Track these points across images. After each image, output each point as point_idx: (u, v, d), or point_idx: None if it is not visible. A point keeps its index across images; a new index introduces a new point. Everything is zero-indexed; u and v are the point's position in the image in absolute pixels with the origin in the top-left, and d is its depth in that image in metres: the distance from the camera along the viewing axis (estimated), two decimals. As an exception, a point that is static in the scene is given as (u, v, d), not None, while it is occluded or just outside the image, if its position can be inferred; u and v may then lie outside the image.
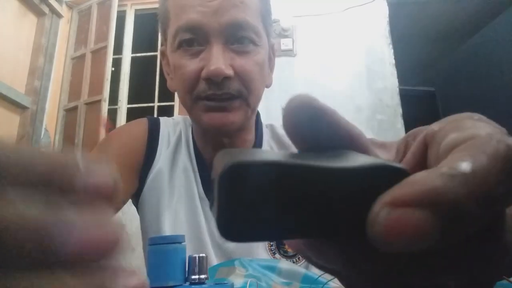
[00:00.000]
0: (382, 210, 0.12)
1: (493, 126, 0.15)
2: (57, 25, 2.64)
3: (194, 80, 0.56)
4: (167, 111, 2.47)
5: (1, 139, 0.12)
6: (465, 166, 0.12)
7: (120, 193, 0.14)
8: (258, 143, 0.67)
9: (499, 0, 2.62)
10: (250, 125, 0.65)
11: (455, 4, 2.87)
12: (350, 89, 2.27)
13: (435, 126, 0.17)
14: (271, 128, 0.71)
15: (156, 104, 2.68)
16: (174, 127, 0.70)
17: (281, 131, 0.69)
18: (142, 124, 0.68)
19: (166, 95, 2.61)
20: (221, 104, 0.56)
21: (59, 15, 2.64)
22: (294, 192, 0.13)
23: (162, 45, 0.67)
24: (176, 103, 2.48)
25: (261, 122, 0.70)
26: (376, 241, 0.12)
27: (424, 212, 0.11)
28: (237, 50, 0.57)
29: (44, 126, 2.49)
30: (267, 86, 0.65)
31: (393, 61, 2.32)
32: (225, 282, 0.39)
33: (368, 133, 2.12)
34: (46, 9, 2.53)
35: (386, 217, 0.11)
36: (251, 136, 0.66)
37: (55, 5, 2.57)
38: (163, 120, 0.70)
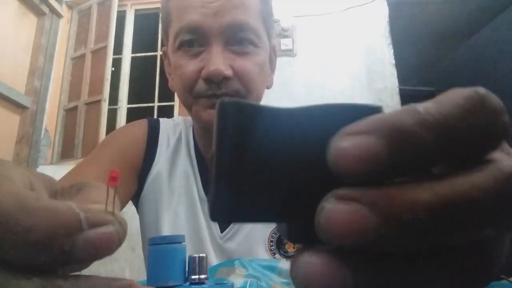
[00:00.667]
0: (341, 139, 0.12)
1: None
2: (57, 25, 2.64)
3: (194, 80, 0.56)
4: (167, 111, 2.47)
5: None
6: (424, 104, 0.13)
7: (123, 240, 0.14)
8: None
9: (499, 0, 2.62)
10: None
11: (455, 4, 2.87)
12: (350, 89, 2.27)
13: None
14: None
15: (156, 104, 2.68)
16: (174, 128, 0.70)
17: None
18: (141, 125, 0.68)
19: (166, 95, 2.61)
20: None
21: (59, 15, 2.64)
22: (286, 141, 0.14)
23: (164, 45, 0.67)
24: (176, 103, 2.48)
25: None
26: (335, 167, 0.12)
27: (372, 137, 0.12)
28: (237, 51, 0.57)
29: (44, 126, 2.49)
30: (268, 87, 0.65)
31: (393, 61, 2.32)
32: (225, 282, 0.39)
33: (368, 133, 2.13)
34: (46, 9, 2.53)
35: (340, 145, 0.12)
36: None
37: (55, 5, 2.57)
38: (163, 121, 0.70)
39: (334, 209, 0.12)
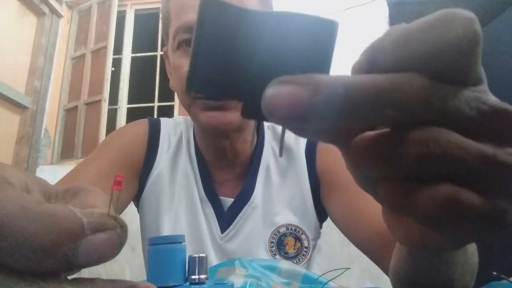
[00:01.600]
0: (272, 87, 0.15)
1: None
2: (57, 25, 2.64)
3: None
4: (167, 111, 2.47)
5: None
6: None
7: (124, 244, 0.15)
8: (259, 144, 0.66)
9: (499, 0, 2.62)
10: (250, 125, 0.65)
11: (455, 4, 2.86)
12: (350, 89, 2.28)
13: None
14: (273, 129, 0.70)
15: (156, 104, 2.68)
16: (175, 128, 0.69)
17: None
18: (142, 125, 0.68)
19: (166, 95, 2.61)
20: (219, 103, 0.55)
21: (59, 15, 2.64)
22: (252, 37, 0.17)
23: (165, 45, 0.67)
24: (176, 103, 2.48)
25: (263, 123, 0.70)
26: (265, 111, 0.15)
27: (298, 87, 0.14)
28: None
29: (44, 126, 2.49)
30: None
31: (393, 61, 2.32)
32: (225, 282, 0.39)
33: (368, 133, 2.12)
34: (46, 9, 2.53)
35: (269, 92, 0.15)
36: (251, 137, 0.66)
37: (55, 5, 2.57)
38: (163, 121, 0.70)
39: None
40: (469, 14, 0.15)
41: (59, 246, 0.12)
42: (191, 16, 0.55)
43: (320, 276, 0.42)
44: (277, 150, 0.67)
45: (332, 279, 0.40)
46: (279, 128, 0.71)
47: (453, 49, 0.14)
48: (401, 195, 0.15)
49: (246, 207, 0.62)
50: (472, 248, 0.31)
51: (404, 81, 0.14)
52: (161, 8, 0.64)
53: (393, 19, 2.43)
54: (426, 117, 0.14)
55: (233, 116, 0.56)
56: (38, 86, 2.45)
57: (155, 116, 2.62)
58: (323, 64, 0.18)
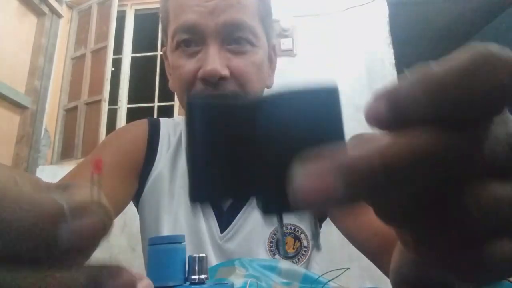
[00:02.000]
0: (299, 176, 0.14)
1: None
2: (57, 25, 2.64)
3: (191, 80, 0.56)
4: (167, 111, 2.47)
5: None
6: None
7: (110, 231, 0.14)
8: None
9: (499, 0, 2.62)
10: None
11: (455, 4, 2.87)
12: (350, 89, 2.27)
13: None
14: None
15: (156, 104, 2.68)
16: (175, 127, 0.69)
17: None
18: (142, 125, 0.67)
19: (166, 95, 2.61)
20: None
21: (59, 15, 2.64)
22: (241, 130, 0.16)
23: (164, 45, 0.67)
24: (176, 103, 2.48)
25: None
26: (294, 199, 0.14)
27: (329, 177, 0.13)
28: (234, 50, 0.56)
29: (44, 126, 2.49)
30: (268, 87, 0.65)
31: (393, 61, 2.32)
32: (225, 282, 0.39)
33: (368, 133, 2.11)
34: (46, 9, 2.53)
35: (298, 183, 0.14)
36: None
37: (55, 5, 2.57)
38: (163, 121, 0.70)
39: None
40: (507, 54, 0.13)
41: (38, 230, 0.12)
42: (190, 16, 0.55)
43: (320, 276, 0.42)
44: None
45: (332, 279, 0.40)
46: None
47: (499, 94, 0.13)
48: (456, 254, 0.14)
49: (245, 207, 0.62)
50: None
51: (446, 140, 0.13)
52: (160, 8, 0.64)
53: (393, 19, 2.43)
54: (471, 172, 0.13)
55: None
56: (38, 86, 2.44)
57: (155, 116, 2.62)
58: (337, 134, 0.16)
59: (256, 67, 0.58)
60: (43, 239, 0.12)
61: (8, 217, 0.12)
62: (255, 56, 0.58)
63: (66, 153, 2.50)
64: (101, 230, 0.14)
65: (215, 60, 0.53)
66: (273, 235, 0.61)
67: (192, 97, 0.16)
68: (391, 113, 0.14)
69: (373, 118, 0.15)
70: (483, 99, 0.13)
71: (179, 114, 2.39)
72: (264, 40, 0.61)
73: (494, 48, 0.13)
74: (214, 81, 0.54)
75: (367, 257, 0.54)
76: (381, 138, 0.15)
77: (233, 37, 0.56)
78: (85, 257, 0.14)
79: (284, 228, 0.61)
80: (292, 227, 0.61)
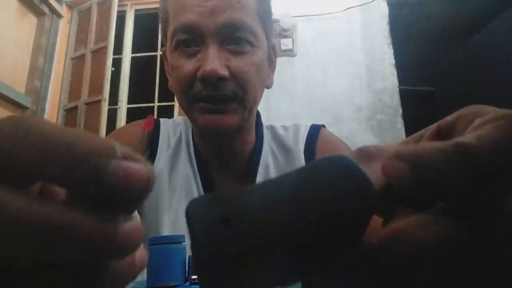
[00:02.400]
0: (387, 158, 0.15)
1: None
2: (57, 25, 2.64)
3: (190, 81, 0.56)
4: (167, 111, 2.47)
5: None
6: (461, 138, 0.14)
7: (151, 188, 0.15)
8: (258, 145, 0.66)
9: (499, 0, 2.62)
10: (248, 126, 0.64)
11: (455, 4, 2.87)
12: (350, 89, 2.27)
13: (448, 117, 0.19)
14: (272, 129, 0.70)
15: (156, 104, 2.68)
16: (175, 128, 0.69)
17: (282, 132, 0.69)
18: (141, 125, 0.68)
19: (166, 95, 2.61)
20: (217, 106, 0.55)
21: (59, 15, 2.64)
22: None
23: (164, 46, 0.66)
24: (176, 103, 2.48)
25: (262, 123, 0.69)
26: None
27: (403, 165, 0.14)
28: (233, 50, 0.56)
29: (44, 126, 2.49)
30: (268, 87, 0.65)
31: (393, 61, 2.31)
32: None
33: (368, 133, 2.10)
34: (46, 9, 2.53)
35: (385, 161, 0.15)
36: (251, 137, 0.66)
37: (55, 5, 2.57)
38: (163, 121, 0.70)
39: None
40: None
41: (90, 157, 0.13)
42: (189, 16, 0.55)
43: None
44: (276, 151, 0.67)
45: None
46: (278, 128, 0.70)
47: None
48: None
49: None
50: None
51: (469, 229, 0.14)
52: (159, 8, 0.64)
53: (393, 19, 2.43)
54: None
55: (232, 119, 0.56)
56: (38, 86, 2.44)
57: (155, 116, 2.62)
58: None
59: (255, 67, 0.58)
60: (93, 167, 0.13)
61: (66, 143, 0.13)
62: (255, 56, 0.58)
63: (66, 153, 2.50)
64: (145, 180, 0.14)
65: (214, 60, 0.53)
66: None
67: (191, 214, 0.14)
68: (414, 180, 0.14)
69: (393, 177, 0.15)
70: None
71: (179, 114, 2.39)
72: (264, 40, 0.61)
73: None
74: (213, 81, 0.54)
75: None
76: (385, 153, 0.16)
77: (232, 37, 0.56)
78: (127, 211, 0.14)
79: None
80: None
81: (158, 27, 2.78)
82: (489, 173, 0.13)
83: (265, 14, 0.61)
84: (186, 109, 0.59)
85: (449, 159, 0.13)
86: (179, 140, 0.67)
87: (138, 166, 0.14)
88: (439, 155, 0.14)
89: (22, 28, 2.41)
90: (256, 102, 0.61)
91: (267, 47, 0.62)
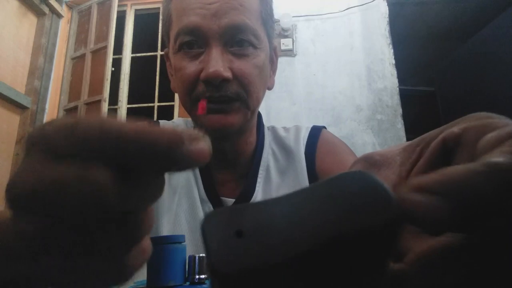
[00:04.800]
0: (408, 192, 0.14)
1: None
2: (57, 25, 2.64)
3: (193, 82, 0.56)
4: (167, 111, 2.47)
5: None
6: (498, 159, 0.13)
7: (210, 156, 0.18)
8: (259, 146, 0.66)
9: (499, 0, 2.62)
10: (250, 127, 0.65)
11: (455, 4, 2.87)
12: (350, 89, 2.27)
13: (454, 129, 0.17)
14: (273, 130, 0.70)
15: (156, 104, 2.68)
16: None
17: (283, 134, 0.69)
18: None
19: (166, 95, 2.61)
20: (220, 106, 0.56)
21: (59, 15, 2.64)
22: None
23: (166, 47, 0.67)
24: (176, 103, 2.48)
25: (263, 124, 0.70)
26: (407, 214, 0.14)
27: (435, 198, 0.13)
28: (236, 52, 0.56)
29: (44, 126, 2.49)
30: (269, 88, 0.65)
31: (393, 61, 2.31)
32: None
33: (368, 133, 2.09)
34: (46, 9, 2.53)
35: (407, 197, 0.13)
36: (252, 138, 0.66)
37: (55, 5, 2.57)
38: (162, 123, 0.70)
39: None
40: None
41: (171, 148, 0.17)
42: (193, 18, 0.55)
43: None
44: (277, 152, 0.67)
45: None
46: (279, 129, 0.70)
47: None
48: None
49: None
50: None
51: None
52: (161, 9, 0.64)
53: (393, 19, 2.43)
54: None
55: (234, 118, 0.56)
56: (38, 86, 2.44)
57: (155, 116, 2.62)
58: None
59: (258, 69, 0.58)
60: (173, 155, 0.17)
61: (150, 142, 0.17)
62: (257, 58, 0.58)
63: (66, 153, 2.50)
64: (208, 155, 0.18)
65: (217, 62, 0.54)
66: None
67: (205, 225, 0.15)
68: (455, 210, 0.13)
69: (426, 213, 0.13)
70: None
71: (179, 114, 2.39)
72: (266, 42, 0.61)
73: None
74: (216, 82, 0.54)
75: None
76: (390, 160, 0.15)
77: (235, 40, 0.56)
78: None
79: None
80: None
81: (158, 27, 2.78)
82: None
83: (267, 16, 0.61)
84: (189, 110, 0.59)
85: (489, 180, 0.12)
86: None
87: (202, 146, 0.18)
88: (479, 178, 0.13)
89: (22, 28, 2.41)
90: (258, 103, 0.61)
91: (269, 49, 0.63)
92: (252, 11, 0.58)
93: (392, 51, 2.33)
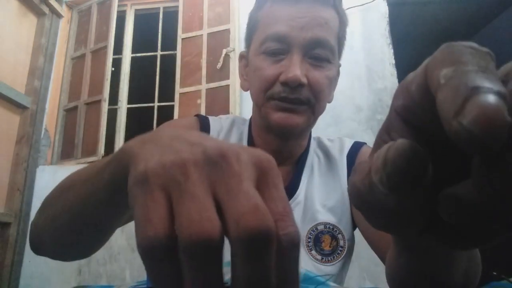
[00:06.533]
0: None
1: None
2: (57, 25, 2.64)
3: (272, 82, 0.63)
4: (167, 111, 2.47)
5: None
6: None
7: None
8: (306, 151, 0.72)
9: (499, 0, 2.62)
10: (308, 132, 0.72)
11: (455, 4, 2.87)
12: (350, 89, 2.27)
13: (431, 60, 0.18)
14: (318, 139, 0.77)
15: (156, 104, 2.68)
16: (221, 124, 0.74)
17: (328, 143, 0.75)
18: (193, 121, 0.72)
19: (166, 95, 2.61)
20: (291, 106, 0.62)
21: (59, 15, 2.64)
22: None
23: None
24: (176, 103, 2.47)
25: (311, 133, 0.75)
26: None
27: None
28: (313, 63, 0.63)
29: (44, 126, 2.49)
30: (329, 101, 0.71)
31: (393, 61, 2.32)
32: (226, 282, 0.39)
33: (368, 133, 2.09)
34: (46, 9, 2.53)
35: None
36: (304, 142, 0.72)
37: (55, 5, 2.57)
38: (211, 119, 0.74)
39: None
40: None
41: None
42: (283, 28, 0.62)
43: (318, 276, 0.42)
44: (321, 157, 0.73)
45: (330, 277, 0.40)
46: (324, 139, 0.77)
47: None
48: None
49: (290, 201, 0.63)
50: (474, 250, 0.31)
51: None
52: (249, 15, 0.71)
53: (393, 19, 2.43)
54: None
55: (300, 119, 0.63)
56: (38, 86, 2.45)
57: (155, 116, 2.62)
58: None
59: (329, 81, 0.65)
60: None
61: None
62: (330, 71, 0.64)
63: (66, 153, 2.50)
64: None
65: (297, 68, 0.60)
66: (312, 231, 0.64)
67: None
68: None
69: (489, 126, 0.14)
70: None
71: (179, 114, 2.39)
72: (337, 59, 0.68)
73: None
74: (293, 85, 0.60)
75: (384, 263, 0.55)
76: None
77: (314, 52, 0.63)
78: None
79: (323, 227, 0.65)
80: (331, 227, 0.65)
81: (158, 27, 2.78)
82: None
83: (342, 37, 0.69)
84: (261, 105, 0.65)
85: None
86: (227, 137, 0.72)
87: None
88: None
89: (22, 28, 2.41)
90: (322, 111, 0.67)
91: (338, 66, 0.70)
92: (333, 30, 0.65)
93: (392, 51, 2.33)
